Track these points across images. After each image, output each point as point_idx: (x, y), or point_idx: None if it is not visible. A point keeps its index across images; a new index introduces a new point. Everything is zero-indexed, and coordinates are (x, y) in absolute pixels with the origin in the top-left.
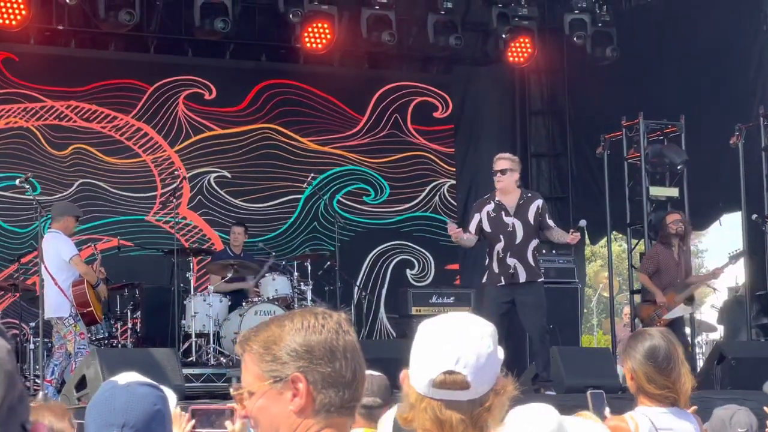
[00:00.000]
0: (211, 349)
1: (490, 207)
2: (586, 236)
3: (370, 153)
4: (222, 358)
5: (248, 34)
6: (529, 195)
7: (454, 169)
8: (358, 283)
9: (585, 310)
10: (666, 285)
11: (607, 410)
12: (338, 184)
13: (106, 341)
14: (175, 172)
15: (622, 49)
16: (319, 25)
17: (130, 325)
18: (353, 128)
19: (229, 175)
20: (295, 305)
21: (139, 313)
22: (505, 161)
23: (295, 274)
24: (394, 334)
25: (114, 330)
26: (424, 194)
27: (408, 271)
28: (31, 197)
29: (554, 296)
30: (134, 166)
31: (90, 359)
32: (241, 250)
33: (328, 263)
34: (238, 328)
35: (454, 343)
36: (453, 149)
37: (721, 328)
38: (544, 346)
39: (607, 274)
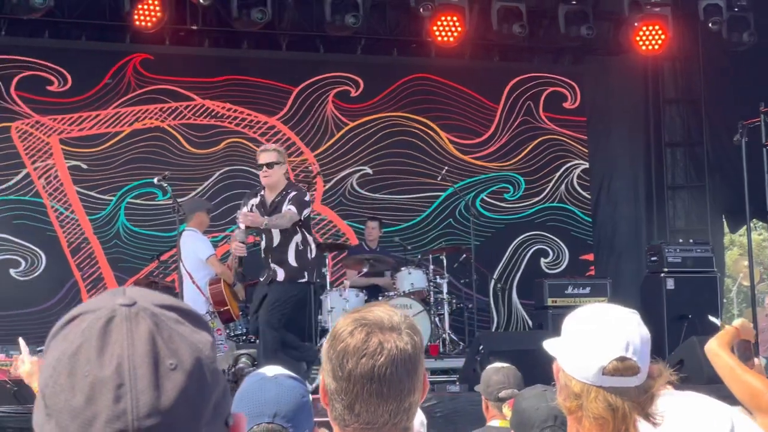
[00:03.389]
0: None
1: (255, 201)
2: (725, 225)
3: (507, 155)
4: None
5: (379, 28)
6: (287, 191)
7: (587, 151)
8: (494, 276)
9: (725, 300)
10: None
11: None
12: (480, 187)
13: (244, 337)
14: (309, 167)
15: (760, 33)
16: (450, 18)
17: None
18: (490, 122)
19: (371, 172)
20: (431, 298)
21: None
22: (270, 153)
23: (431, 267)
24: (531, 324)
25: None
26: (553, 182)
27: (542, 259)
28: (170, 200)
29: (693, 286)
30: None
31: (230, 354)
32: (376, 244)
33: (464, 255)
34: None
35: (620, 330)
36: (586, 136)
37: None
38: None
39: (747, 263)
